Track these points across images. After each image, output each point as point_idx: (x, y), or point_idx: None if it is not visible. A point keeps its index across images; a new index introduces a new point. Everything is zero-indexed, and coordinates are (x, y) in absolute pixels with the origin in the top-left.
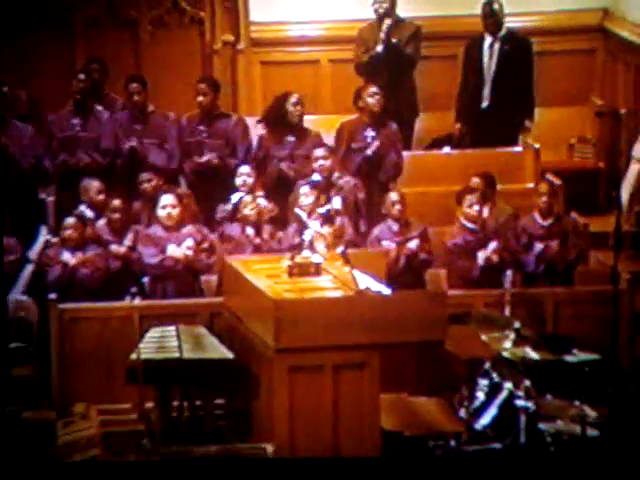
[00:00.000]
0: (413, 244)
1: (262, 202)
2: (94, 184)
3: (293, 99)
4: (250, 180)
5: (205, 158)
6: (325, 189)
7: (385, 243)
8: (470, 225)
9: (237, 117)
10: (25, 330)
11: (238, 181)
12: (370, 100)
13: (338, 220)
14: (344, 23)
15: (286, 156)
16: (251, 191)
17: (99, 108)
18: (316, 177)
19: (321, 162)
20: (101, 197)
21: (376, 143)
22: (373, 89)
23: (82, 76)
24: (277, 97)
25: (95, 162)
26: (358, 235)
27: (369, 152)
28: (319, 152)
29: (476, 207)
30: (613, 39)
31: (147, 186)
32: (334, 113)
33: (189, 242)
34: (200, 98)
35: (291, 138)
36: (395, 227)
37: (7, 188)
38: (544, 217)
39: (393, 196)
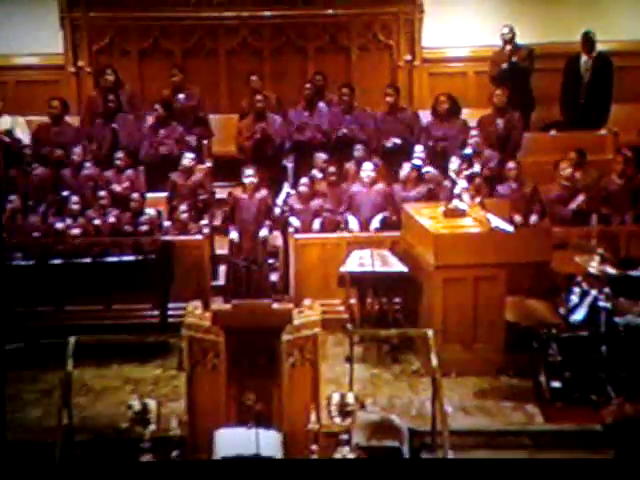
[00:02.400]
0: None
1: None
2: (321, 156)
3: (442, 97)
4: (423, 155)
5: (394, 141)
6: (471, 158)
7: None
8: (565, 183)
9: (412, 111)
10: (275, 253)
11: (416, 155)
12: (497, 99)
13: (477, 180)
14: (482, 47)
15: (441, 136)
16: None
17: (321, 105)
18: (468, 150)
19: (475, 139)
20: (325, 165)
21: (500, 127)
22: (498, 92)
23: (309, 85)
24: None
25: (318, 141)
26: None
27: (497, 133)
28: (473, 133)
29: (568, 170)
30: None
31: (357, 155)
32: (477, 107)
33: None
34: (388, 98)
35: (445, 124)
36: (513, 185)
37: (265, 158)
38: (620, 178)
39: (511, 164)
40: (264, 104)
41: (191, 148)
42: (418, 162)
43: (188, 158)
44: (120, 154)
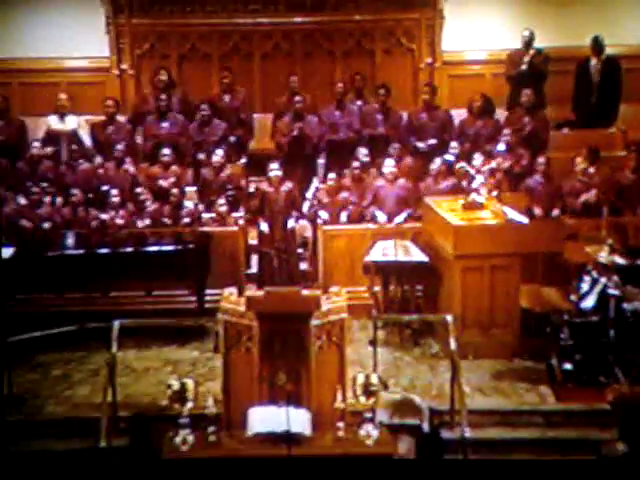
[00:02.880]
0: None
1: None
2: (363, 150)
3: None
4: (457, 151)
5: (430, 142)
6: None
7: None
8: (580, 177)
9: (444, 109)
10: (305, 243)
11: (451, 151)
12: (525, 99)
13: (497, 175)
14: (499, 51)
15: (473, 133)
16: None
17: (352, 105)
18: (501, 147)
19: (506, 137)
20: (367, 159)
21: (528, 127)
22: (527, 91)
23: (341, 85)
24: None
25: (350, 138)
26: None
27: (526, 131)
28: (506, 131)
29: (582, 166)
30: None
31: (393, 152)
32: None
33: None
34: (424, 96)
35: (478, 121)
36: (541, 179)
37: (301, 155)
38: (633, 173)
39: (541, 159)
40: (302, 105)
41: (229, 145)
42: (450, 157)
43: (218, 155)
44: (167, 151)
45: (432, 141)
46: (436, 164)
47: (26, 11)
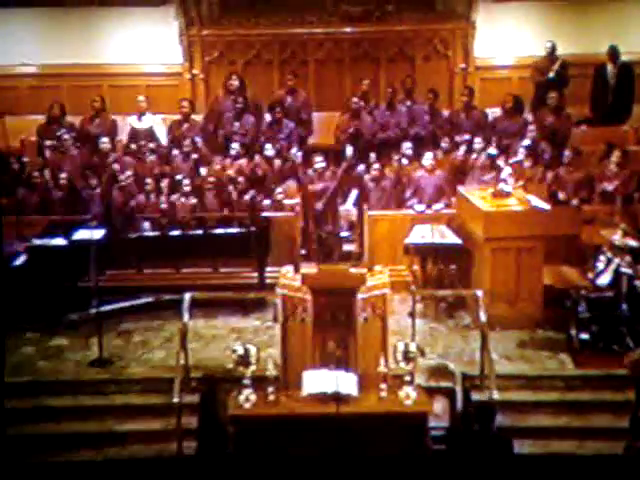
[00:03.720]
0: None
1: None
2: (407, 145)
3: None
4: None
5: (465, 137)
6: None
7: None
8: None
9: (480, 109)
10: (353, 226)
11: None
12: (551, 101)
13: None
14: (524, 57)
15: (504, 130)
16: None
17: (402, 106)
18: (526, 142)
19: (532, 134)
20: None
21: (553, 123)
22: (552, 94)
23: (391, 90)
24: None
25: (397, 136)
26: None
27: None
28: (531, 127)
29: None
30: None
31: (444, 146)
32: None
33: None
34: (464, 98)
35: (509, 120)
36: (570, 168)
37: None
38: None
39: (567, 152)
40: (359, 105)
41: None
42: (493, 152)
43: (286, 150)
44: (236, 145)
45: (466, 137)
46: (482, 158)
47: (113, 23)
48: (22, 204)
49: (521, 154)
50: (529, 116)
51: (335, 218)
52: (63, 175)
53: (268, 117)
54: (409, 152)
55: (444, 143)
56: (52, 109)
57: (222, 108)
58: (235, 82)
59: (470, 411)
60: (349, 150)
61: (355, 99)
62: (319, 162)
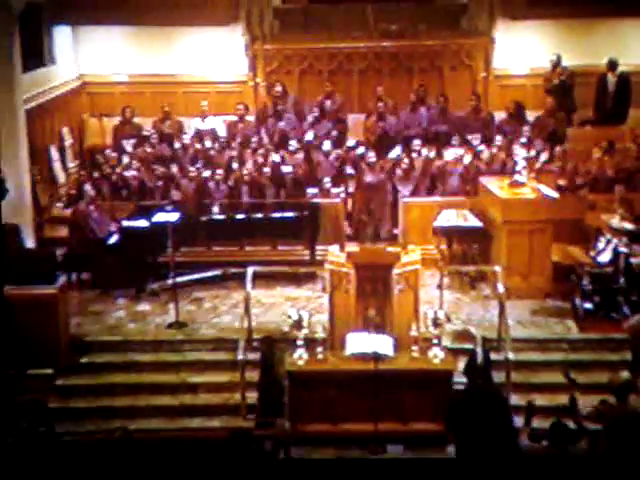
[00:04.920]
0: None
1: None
2: (416, 142)
3: (510, 108)
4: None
5: (475, 135)
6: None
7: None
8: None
9: (488, 111)
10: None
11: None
12: (548, 105)
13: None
14: (537, 68)
15: (509, 130)
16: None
17: (422, 109)
18: (523, 140)
19: (528, 133)
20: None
21: (551, 124)
22: (549, 100)
23: (414, 95)
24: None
25: (419, 135)
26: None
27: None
28: (525, 128)
29: (598, 155)
30: None
31: (455, 143)
32: (533, 110)
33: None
34: (472, 102)
35: (513, 121)
36: (560, 164)
37: (383, 146)
38: (637, 159)
39: (559, 149)
40: (384, 109)
41: (332, 138)
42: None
43: (326, 146)
44: (294, 142)
45: (476, 135)
46: (486, 153)
47: (189, 40)
48: (114, 192)
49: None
50: (530, 118)
51: (382, 206)
52: (155, 167)
53: (310, 118)
54: (417, 148)
55: (453, 140)
56: (125, 112)
57: (269, 111)
58: (278, 89)
59: (476, 369)
60: (397, 150)
61: (380, 104)
62: (371, 157)
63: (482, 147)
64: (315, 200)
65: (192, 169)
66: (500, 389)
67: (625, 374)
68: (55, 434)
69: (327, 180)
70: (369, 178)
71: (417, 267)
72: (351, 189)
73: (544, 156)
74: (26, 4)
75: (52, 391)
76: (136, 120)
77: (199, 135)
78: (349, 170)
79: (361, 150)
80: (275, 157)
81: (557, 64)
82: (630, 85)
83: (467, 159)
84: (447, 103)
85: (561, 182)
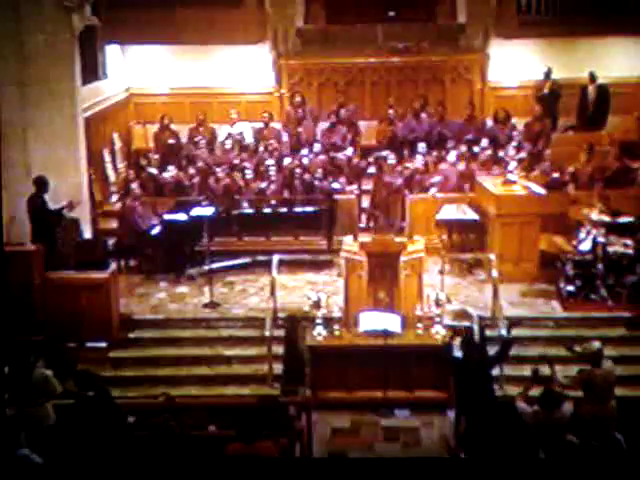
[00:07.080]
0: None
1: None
2: (422, 145)
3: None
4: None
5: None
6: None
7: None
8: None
9: (480, 118)
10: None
11: (510, 152)
12: (535, 112)
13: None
14: (526, 80)
15: (499, 135)
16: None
17: (423, 115)
18: (514, 143)
19: (517, 137)
20: (423, 149)
21: (537, 129)
22: (537, 107)
23: (417, 104)
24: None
25: (421, 138)
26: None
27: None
28: (515, 133)
29: (584, 158)
30: None
31: (450, 146)
32: (523, 117)
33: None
34: (467, 110)
35: (501, 126)
36: (547, 166)
37: (393, 149)
38: (615, 160)
39: (547, 151)
40: (393, 116)
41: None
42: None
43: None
44: (318, 144)
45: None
46: (483, 156)
47: (220, 55)
48: (156, 189)
49: (511, 151)
50: (519, 125)
51: (394, 204)
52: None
53: (326, 124)
54: (423, 150)
55: (449, 143)
56: (163, 120)
57: (290, 119)
58: (298, 99)
59: (472, 344)
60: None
61: (391, 111)
62: (390, 159)
63: (477, 149)
64: (332, 197)
65: (219, 170)
66: (491, 360)
67: (596, 344)
68: (107, 398)
69: (342, 179)
70: (388, 178)
71: (421, 255)
72: (364, 187)
73: (532, 158)
74: (85, 26)
75: (106, 362)
76: (173, 127)
77: (232, 141)
78: (370, 170)
79: (384, 153)
80: (302, 159)
81: (548, 76)
82: (609, 95)
83: (464, 161)
84: (445, 111)
85: (555, 174)
